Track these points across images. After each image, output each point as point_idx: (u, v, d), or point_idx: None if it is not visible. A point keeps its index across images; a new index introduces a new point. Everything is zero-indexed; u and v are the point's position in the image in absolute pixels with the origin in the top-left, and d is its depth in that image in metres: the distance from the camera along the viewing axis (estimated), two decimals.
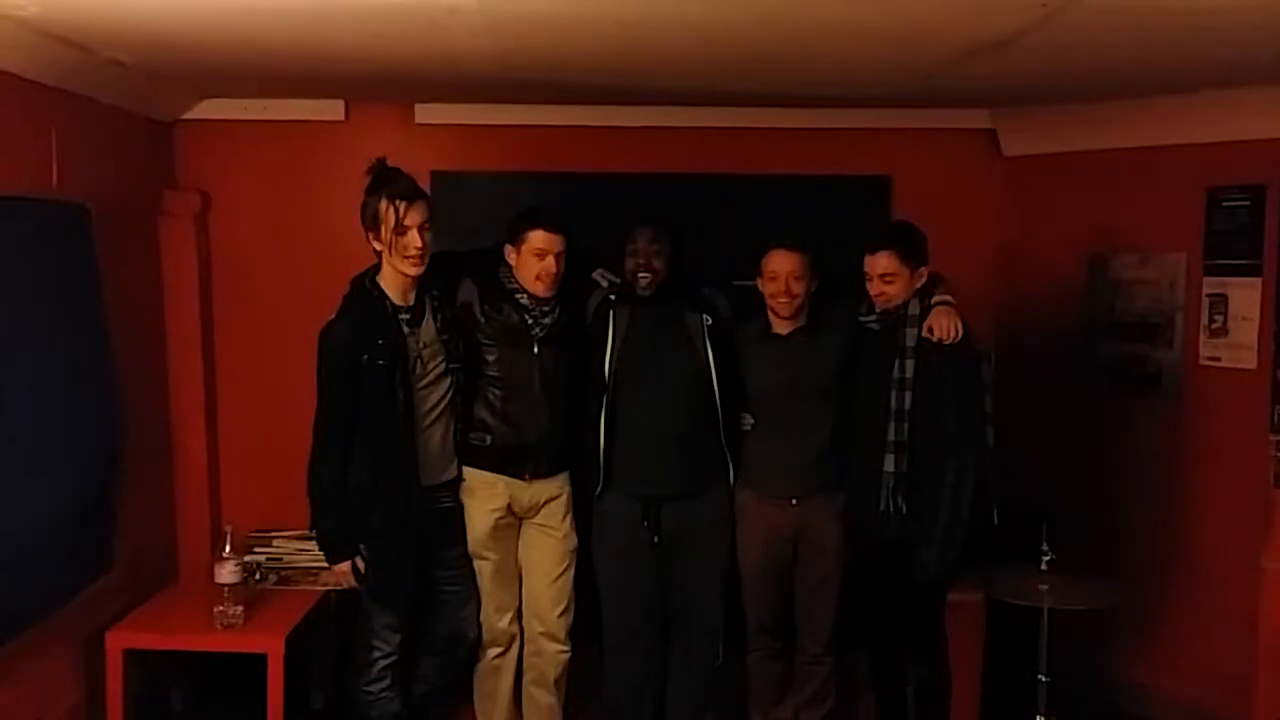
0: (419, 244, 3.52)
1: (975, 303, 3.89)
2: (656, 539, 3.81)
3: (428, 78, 4.05)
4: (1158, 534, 4.45)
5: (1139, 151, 4.43)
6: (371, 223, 3.55)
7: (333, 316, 3.60)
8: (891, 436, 3.60)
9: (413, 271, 3.57)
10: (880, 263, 3.63)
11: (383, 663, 3.74)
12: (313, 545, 4.42)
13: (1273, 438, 3.95)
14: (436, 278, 3.72)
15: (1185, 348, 4.32)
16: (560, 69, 3.77)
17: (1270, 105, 3.89)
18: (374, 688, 3.75)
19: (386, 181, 3.56)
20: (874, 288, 3.66)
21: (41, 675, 3.62)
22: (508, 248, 3.74)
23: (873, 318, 3.70)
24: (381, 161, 3.59)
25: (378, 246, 3.57)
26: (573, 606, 3.93)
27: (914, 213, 4.00)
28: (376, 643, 3.73)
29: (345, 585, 3.70)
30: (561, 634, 3.92)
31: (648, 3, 2.82)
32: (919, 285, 3.65)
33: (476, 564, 3.85)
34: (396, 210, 3.50)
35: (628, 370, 3.77)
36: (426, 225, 3.55)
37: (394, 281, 3.60)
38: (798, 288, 3.72)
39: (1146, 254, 4.46)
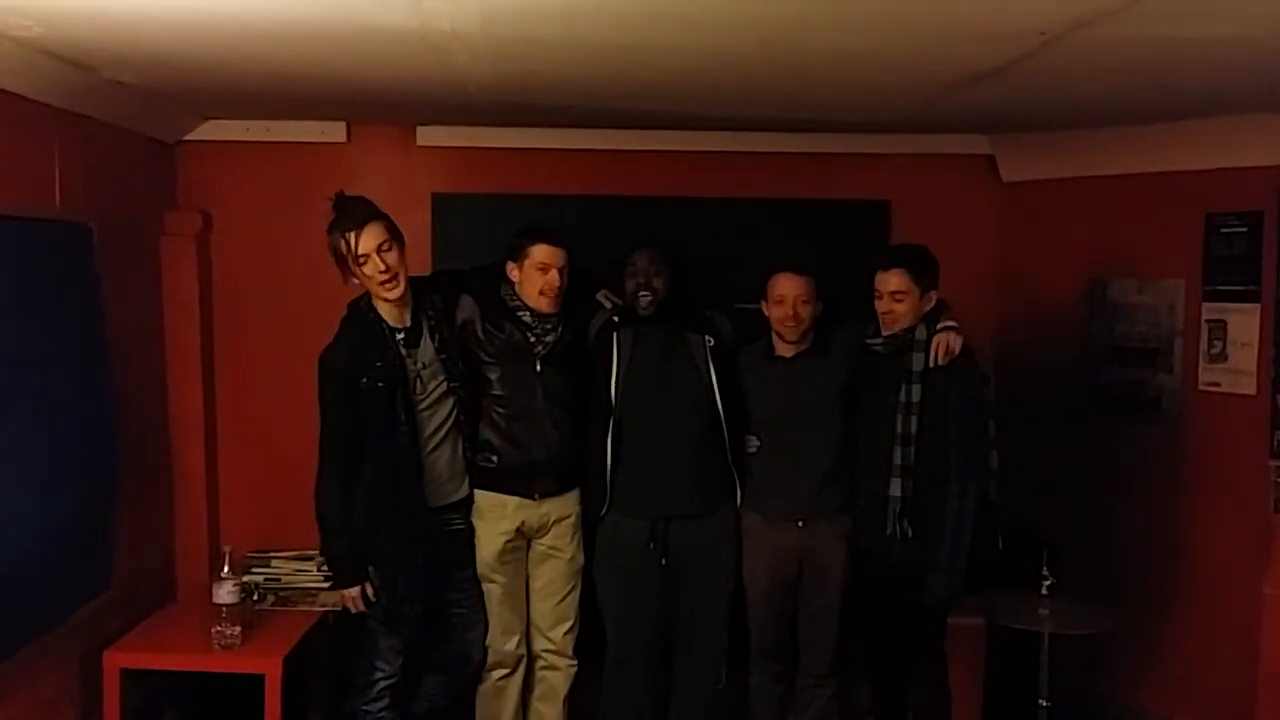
0: (382, 267, 3.46)
1: (975, 327, 3.89)
2: (664, 560, 3.81)
3: (429, 100, 4.06)
4: (1158, 559, 4.44)
5: (1138, 178, 4.44)
6: (339, 262, 3.51)
7: (331, 340, 3.59)
8: (898, 461, 3.60)
9: (390, 296, 3.52)
10: (891, 280, 3.63)
11: (383, 683, 3.73)
12: (311, 566, 4.45)
13: (1272, 463, 3.95)
14: (434, 295, 3.72)
15: (1185, 373, 4.31)
16: (561, 93, 3.78)
17: (1268, 133, 3.90)
18: (372, 708, 3.73)
19: (336, 216, 3.51)
20: (882, 305, 3.66)
21: (38, 694, 3.60)
22: (510, 265, 3.74)
23: (879, 340, 3.70)
24: (339, 195, 3.55)
25: (355, 283, 3.54)
26: (578, 624, 3.94)
27: (913, 238, 4.01)
28: (379, 663, 3.72)
29: (354, 609, 3.65)
30: (569, 650, 3.94)
31: (649, 29, 2.82)
32: (927, 309, 3.65)
33: (485, 587, 3.84)
34: (348, 242, 3.45)
35: (633, 391, 3.77)
36: (387, 245, 3.47)
37: (386, 304, 3.58)
38: (804, 311, 3.72)
39: (1145, 280, 4.46)
